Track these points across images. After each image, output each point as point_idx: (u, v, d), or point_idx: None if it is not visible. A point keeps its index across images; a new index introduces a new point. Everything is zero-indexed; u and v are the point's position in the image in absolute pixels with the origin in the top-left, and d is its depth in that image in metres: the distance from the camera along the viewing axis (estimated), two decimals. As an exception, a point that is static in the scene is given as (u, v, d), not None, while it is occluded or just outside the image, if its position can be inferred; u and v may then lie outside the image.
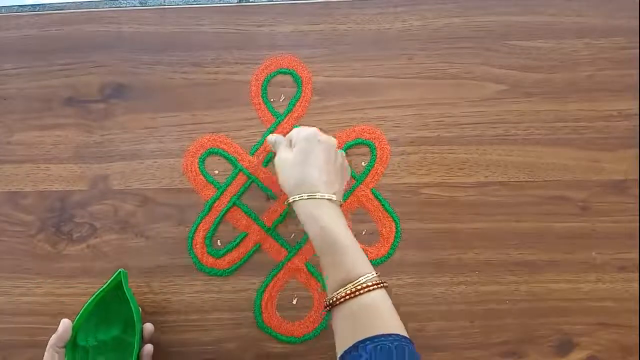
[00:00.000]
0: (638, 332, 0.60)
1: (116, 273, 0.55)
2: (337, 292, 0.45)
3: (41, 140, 0.63)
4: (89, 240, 0.62)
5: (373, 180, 0.61)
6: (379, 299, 0.45)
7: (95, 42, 0.63)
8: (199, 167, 0.62)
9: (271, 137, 0.56)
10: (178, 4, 0.64)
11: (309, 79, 0.63)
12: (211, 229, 0.61)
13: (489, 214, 0.61)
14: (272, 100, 0.63)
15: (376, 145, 0.62)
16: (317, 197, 0.49)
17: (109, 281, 0.55)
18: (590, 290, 0.60)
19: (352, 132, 0.62)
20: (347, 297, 0.44)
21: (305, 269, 0.61)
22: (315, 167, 0.51)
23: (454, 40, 0.63)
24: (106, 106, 0.63)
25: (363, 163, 0.62)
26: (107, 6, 0.65)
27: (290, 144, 0.53)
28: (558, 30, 0.62)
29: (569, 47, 0.62)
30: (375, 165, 0.62)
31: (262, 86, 0.63)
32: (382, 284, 0.46)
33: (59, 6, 0.65)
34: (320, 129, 0.53)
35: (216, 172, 0.62)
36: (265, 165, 0.62)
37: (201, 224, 0.61)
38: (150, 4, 0.65)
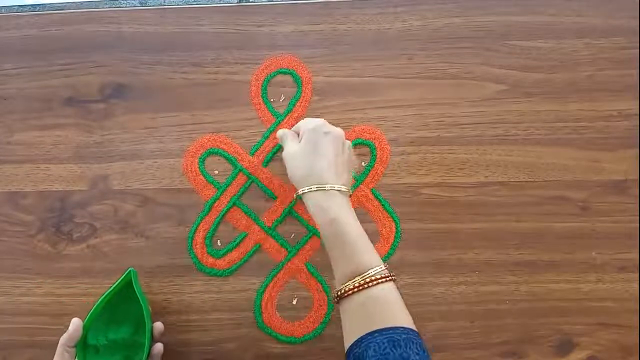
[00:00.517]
0: (638, 332, 0.60)
1: (126, 272, 0.55)
2: (346, 284, 0.45)
3: (41, 140, 0.63)
4: (89, 241, 0.62)
5: (373, 180, 0.61)
6: (388, 291, 0.45)
7: (95, 42, 0.63)
8: (199, 167, 0.62)
9: (280, 131, 0.56)
10: (178, 4, 0.64)
11: (309, 79, 0.63)
12: (211, 229, 0.61)
13: (489, 214, 0.61)
14: (272, 100, 0.63)
15: (376, 145, 0.62)
16: (326, 188, 0.49)
17: (119, 280, 0.55)
18: (590, 291, 0.60)
19: (352, 132, 0.62)
20: (356, 289, 0.44)
21: (305, 269, 0.61)
22: (323, 158, 0.50)
23: (454, 40, 0.63)
24: (106, 106, 0.63)
25: (363, 163, 0.62)
26: (107, 6, 0.65)
27: (298, 136, 0.53)
28: (558, 30, 0.62)
29: (569, 47, 0.62)
30: (375, 165, 0.62)
31: (262, 86, 0.63)
32: (391, 277, 0.45)
33: (59, 6, 0.65)
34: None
35: (216, 172, 0.62)
36: (265, 165, 0.62)
37: (201, 224, 0.61)
38: (150, 4, 0.65)
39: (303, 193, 0.50)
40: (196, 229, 0.61)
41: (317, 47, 0.63)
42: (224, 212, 0.61)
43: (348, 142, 0.55)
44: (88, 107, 0.63)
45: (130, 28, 0.64)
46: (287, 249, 0.61)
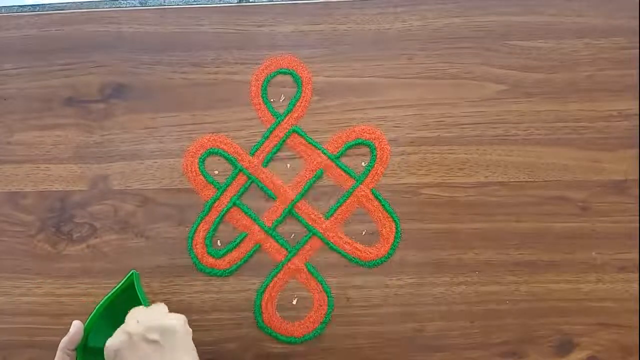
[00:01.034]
0: (638, 332, 0.60)
1: (128, 274, 0.55)
2: None
3: (41, 140, 0.63)
4: (89, 241, 0.62)
5: (373, 180, 0.61)
6: None
7: (95, 42, 0.63)
8: (199, 167, 0.62)
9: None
10: (178, 4, 0.64)
11: (309, 79, 0.63)
12: (211, 229, 0.61)
13: (489, 214, 0.61)
14: (272, 100, 0.63)
15: (376, 145, 0.62)
16: None
17: (120, 282, 0.54)
18: (590, 291, 0.60)
19: (352, 132, 0.62)
20: None
21: (305, 270, 0.61)
22: None
23: (454, 41, 0.63)
24: (106, 106, 0.63)
25: (363, 163, 0.62)
26: (107, 6, 0.65)
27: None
28: (558, 31, 0.62)
29: (569, 47, 0.62)
30: (375, 166, 0.62)
31: (262, 86, 0.63)
32: None
33: (59, 6, 0.65)
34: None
35: (216, 172, 0.62)
36: (265, 166, 0.62)
37: (201, 224, 0.61)
38: (150, 4, 0.65)
39: None
40: (196, 229, 0.61)
41: (317, 47, 0.63)
42: (224, 212, 0.61)
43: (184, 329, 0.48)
44: (88, 107, 0.63)
45: (130, 28, 0.64)
46: (287, 249, 0.61)
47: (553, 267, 0.60)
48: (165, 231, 0.61)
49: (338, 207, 0.61)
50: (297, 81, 0.63)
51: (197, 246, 0.61)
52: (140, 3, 0.65)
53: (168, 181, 0.62)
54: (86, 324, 0.52)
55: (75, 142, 0.63)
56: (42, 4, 0.65)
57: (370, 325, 0.60)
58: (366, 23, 0.63)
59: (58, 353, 0.50)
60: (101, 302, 0.53)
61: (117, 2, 0.65)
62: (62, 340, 0.51)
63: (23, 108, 0.63)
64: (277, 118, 0.62)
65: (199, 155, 0.62)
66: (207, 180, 0.62)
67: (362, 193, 0.61)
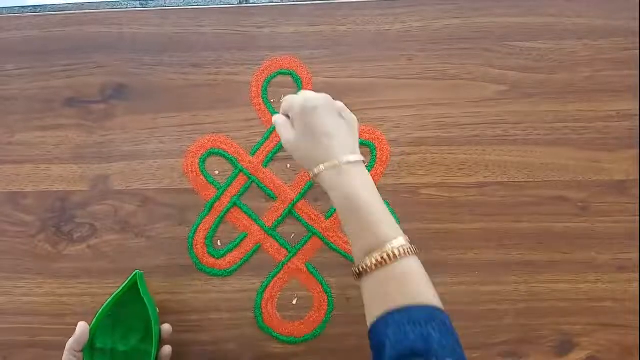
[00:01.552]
0: (638, 332, 0.60)
1: (132, 275, 0.55)
2: (364, 260, 0.42)
3: (42, 140, 0.63)
4: (90, 241, 0.62)
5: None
6: (408, 267, 0.42)
7: (96, 43, 0.64)
8: (200, 168, 0.62)
9: (273, 119, 0.53)
10: (179, 5, 0.65)
11: (309, 80, 0.63)
12: (211, 229, 0.61)
13: (489, 214, 0.61)
14: (272, 101, 0.63)
15: (376, 145, 0.62)
16: (335, 163, 0.46)
17: (124, 283, 0.55)
18: (590, 291, 0.60)
19: (352, 133, 0.62)
20: (374, 266, 0.42)
21: (305, 270, 0.61)
22: (321, 134, 0.47)
23: (453, 41, 0.63)
24: (107, 107, 0.63)
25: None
26: (108, 7, 0.65)
27: (291, 120, 0.50)
28: (558, 31, 0.63)
29: (569, 47, 0.62)
30: (375, 166, 0.62)
31: (263, 87, 0.63)
32: (412, 251, 0.43)
33: (60, 7, 0.65)
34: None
35: (216, 172, 0.62)
36: (266, 166, 0.62)
37: (201, 224, 0.61)
38: (151, 5, 0.65)
39: (314, 176, 0.47)
40: (196, 229, 0.61)
41: (318, 48, 0.63)
42: (224, 212, 0.61)
43: (339, 104, 0.50)
44: (89, 107, 0.63)
45: (131, 29, 0.64)
46: (287, 249, 0.61)
47: (553, 267, 0.60)
48: (166, 231, 0.61)
49: (338, 207, 0.61)
50: (297, 82, 0.63)
51: (197, 246, 0.61)
52: (141, 4, 0.65)
53: (168, 181, 0.62)
54: (92, 324, 0.52)
55: (76, 142, 0.63)
56: (44, 5, 0.65)
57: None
58: (366, 24, 0.63)
59: (65, 354, 0.50)
60: (106, 303, 0.53)
61: (118, 3, 0.65)
62: (69, 342, 0.51)
63: (24, 108, 0.63)
64: (278, 118, 0.62)
65: (200, 156, 0.62)
66: (207, 181, 0.62)
67: (362, 193, 0.61)
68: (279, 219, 0.61)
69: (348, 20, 0.63)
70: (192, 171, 0.62)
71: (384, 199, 0.61)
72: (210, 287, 0.61)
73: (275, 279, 0.61)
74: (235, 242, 0.61)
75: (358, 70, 0.63)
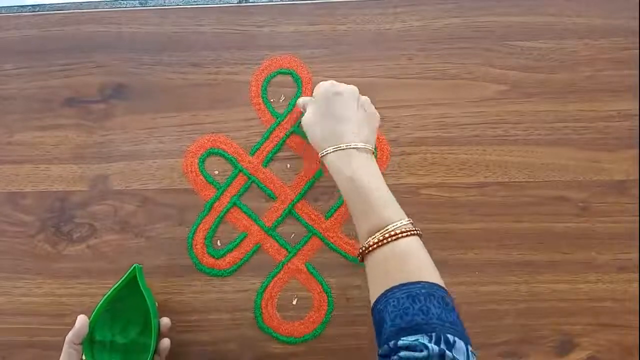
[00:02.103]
0: (638, 332, 0.60)
1: (131, 268, 0.55)
2: (367, 240, 0.45)
3: (41, 140, 0.63)
4: (89, 241, 0.62)
5: (373, 180, 0.61)
6: (410, 246, 0.44)
7: (95, 42, 0.63)
8: (199, 168, 0.62)
9: (299, 100, 0.58)
10: (178, 5, 0.64)
11: (309, 79, 0.63)
12: (211, 230, 0.61)
13: (489, 214, 0.61)
14: (272, 100, 0.63)
15: (376, 145, 0.62)
16: (342, 147, 0.49)
17: (123, 277, 0.55)
18: (590, 291, 0.60)
19: (352, 133, 0.62)
20: (376, 245, 0.44)
21: (305, 270, 0.61)
22: (337, 118, 0.51)
23: (454, 41, 0.63)
24: (106, 106, 0.63)
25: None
26: (107, 6, 0.65)
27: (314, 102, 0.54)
28: (558, 31, 0.63)
29: (569, 47, 0.62)
30: (375, 166, 0.62)
31: (262, 86, 0.63)
32: (414, 231, 0.45)
33: (59, 6, 0.65)
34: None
35: (216, 172, 0.62)
36: (265, 166, 0.62)
37: (201, 225, 0.61)
38: (150, 5, 0.65)
39: (322, 156, 0.50)
40: (196, 229, 0.61)
41: (317, 47, 0.63)
42: (224, 212, 0.61)
43: (364, 98, 0.55)
44: (88, 107, 0.63)
45: (130, 28, 0.64)
46: (287, 249, 0.61)
47: (553, 267, 0.60)
48: (165, 231, 0.61)
49: (338, 207, 0.61)
50: (297, 81, 0.63)
51: (197, 246, 0.61)
52: (141, 3, 0.65)
53: (168, 181, 0.62)
54: (91, 317, 0.53)
55: (76, 142, 0.63)
56: (42, 4, 0.65)
57: (370, 325, 0.60)
58: (366, 23, 0.63)
59: (65, 347, 0.51)
60: (105, 296, 0.54)
61: (117, 2, 0.65)
62: (68, 335, 0.51)
63: (23, 108, 0.63)
64: (277, 118, 0.62)
65: (199, 156, 0.62)
66: (207, 181, 0.62)
67: (362, 193, 0.61)
68: (279, 219, 0.61)
69: (348, 19, 0.63)
70: (191, 171, 0.62)
71: (384, 199, 0.61)
72: (210, 287, 0.61)
73: (275, 279, 0.61)
74: (235, 242, 0.61)
75: (358, 69, 0.63)
